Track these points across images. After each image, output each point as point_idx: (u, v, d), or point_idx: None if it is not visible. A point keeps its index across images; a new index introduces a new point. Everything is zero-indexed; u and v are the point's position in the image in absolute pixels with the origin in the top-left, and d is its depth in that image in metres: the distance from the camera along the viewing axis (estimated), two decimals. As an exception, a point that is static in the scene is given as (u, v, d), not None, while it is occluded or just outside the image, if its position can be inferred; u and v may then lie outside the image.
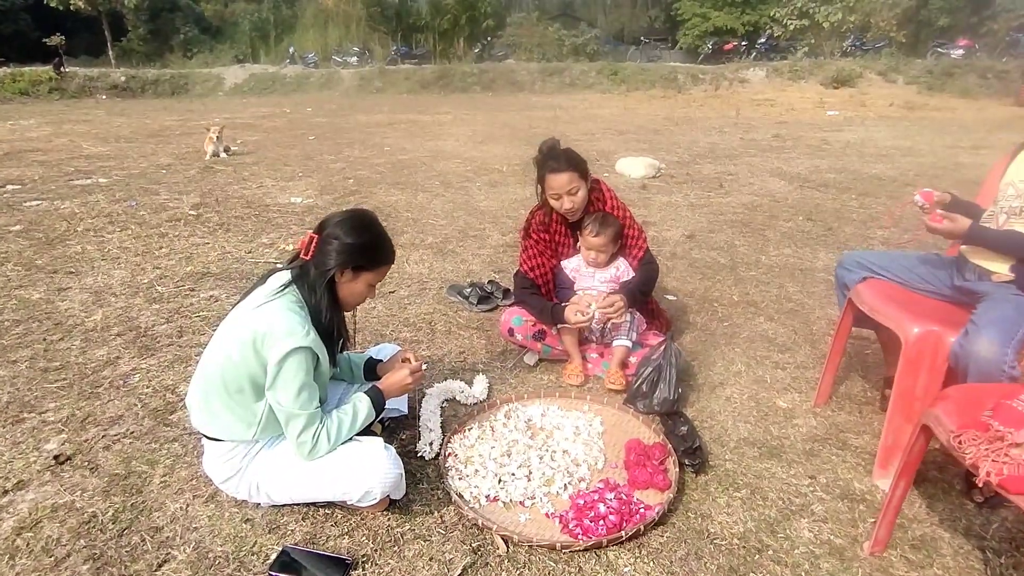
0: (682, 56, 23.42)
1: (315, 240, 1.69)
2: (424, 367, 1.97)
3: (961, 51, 17.64)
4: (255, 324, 1.62)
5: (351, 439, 1.73)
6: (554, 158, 2.43)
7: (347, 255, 1.69)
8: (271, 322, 1.60)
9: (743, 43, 21.71)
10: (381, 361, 2.09)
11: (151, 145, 8.23)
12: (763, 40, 21.50)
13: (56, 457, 2.01)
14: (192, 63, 21.04)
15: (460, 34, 24.26)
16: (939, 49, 18.16)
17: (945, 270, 2.06)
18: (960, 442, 1.30)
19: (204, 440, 1.77)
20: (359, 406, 1.78)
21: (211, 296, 3.34)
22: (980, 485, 1.23)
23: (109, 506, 1.81)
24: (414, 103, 14.36)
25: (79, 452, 2.05)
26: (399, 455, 1.78)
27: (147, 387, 2.45)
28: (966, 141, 8.48)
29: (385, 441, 1.79)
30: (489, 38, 23.96)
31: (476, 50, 22.89)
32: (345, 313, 1.83)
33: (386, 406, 1.87)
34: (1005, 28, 18.23)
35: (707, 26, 24.05)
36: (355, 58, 21.47)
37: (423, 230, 4.57)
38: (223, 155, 7.31)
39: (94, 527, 1.73)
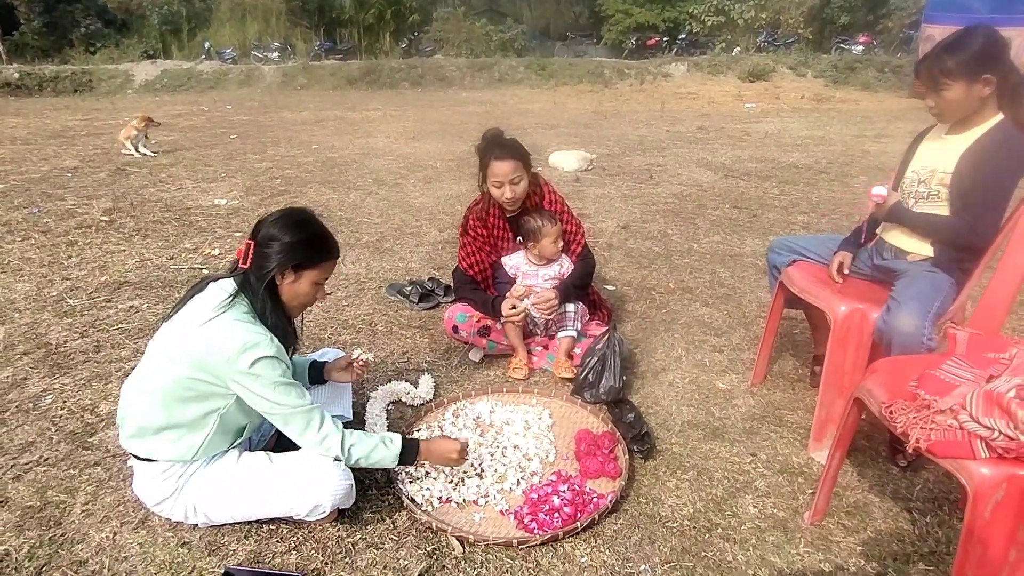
0: (607, 51, 23.85)
1: (252, 246, 1.60)
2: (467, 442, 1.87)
3: (861, 47, 18.84)
4: (209, 340, 1.50)
5: (297, 451, 1.65)
6: (499, 146, 2.42)
7: (286, 254, 1.59)
8: (226, 337, 1.50)
9: (664, 39, 22.36)
10: (326, 364, 2.01)
11: (53, 147, 7.60)
12: (683, 36, 22.21)
13: (-42, 492, 1.82)
14: (96, 59, 19.53)
15: (386, 29, 23.70)
16: (842, 45, 19.31)
17: (865, 251, 2.18)
18: (891, 412, 1.38)
19: (133, 461, 1.64)
20: (389, 445, 1.65)
21: (130, 307, 3.12)
22: (911, 451, 1.30)
23: (24, 542, 1.65)
24: (341, 99, 13.93)
25: (-15, 485, 1.86)
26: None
27: (61, 409, 2.26)
28: (870, 131, 9.06)
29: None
30: (416, 33, 23.54)
31: (403, 45, 22.45)
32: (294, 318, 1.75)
33: (328, 411, 1.78)
34: (899, 25, 19.57)
35: (630, 22, 24.58)
36: (276, 53, 20.58)
37: (358, 229, 4.45)
38: (144, 151, 6.87)
39: (7, 566, 1.58)
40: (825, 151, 7.39)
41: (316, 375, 1.99)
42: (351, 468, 1.65)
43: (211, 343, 1.50)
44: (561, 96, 14.67)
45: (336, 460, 1.61)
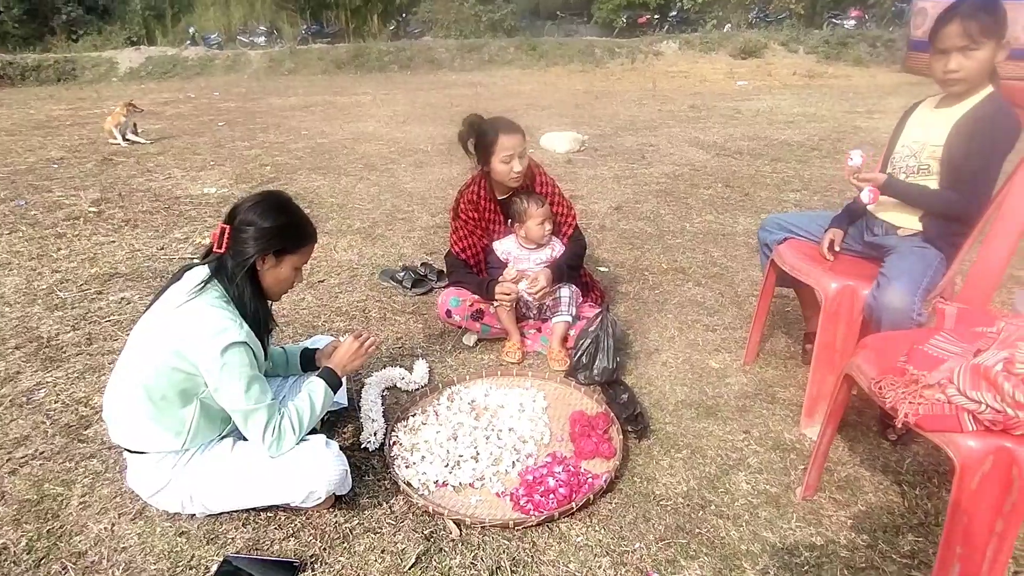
0: (598, 30, 23.57)
1: (227, 231, 1.59)
2: (373, 338, 1.91)
3: (853, 22, 18.68)
4: (180, 325, 1.51)
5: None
6: (503, 122, 2.43)
7: (266, 240, 1.59)
8: (198, 322, 1.50)
9: (655, 16, 22.12)
10: (318, 350, 2.01)
11: (38, 137, 7.50)
12: (674, 13, 21.98)
13: (-46, 487, 1.82)
14: (79, 46, 19.19)
15: (373, 11, 23.38)
16: (834, 20, 19.14)
17: (856, 227, 2.19)
18: (880, 388, 1.39)
19: (126, 454, 1.65)
20: (314, 389, 1.71)
21: (122, 299, 3.10)
22: (899, 426, 1.32)
23: (22, 535, 1.66)
24: (330, 84, 13.77)
25: (-20, 479, 1.86)
26: (342, 449, 1.73)
27: (55, 402, 2.26)
28: (861, 106, 9.02)
29: (326, 436, 1.73)
30: (404, 15, 23.22)
31: (391, 27, 22.17)
32: (272, 303, 1.75)
33: None
34: (891, -1, 19.43)
35: (620, 0, 24.30)
36: (263, 38, 20.29)
37: (349, 215, 4.42)
38: (133, 136, 6.79)
39: (6, 560, 1.59)
40: (817, 128, 7.36)
41: (307, 362, 1.99)
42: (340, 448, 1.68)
43: (183, 327, 1.50)
44: (552, 76, 14.55)
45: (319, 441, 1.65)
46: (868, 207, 2.07)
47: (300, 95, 11.71)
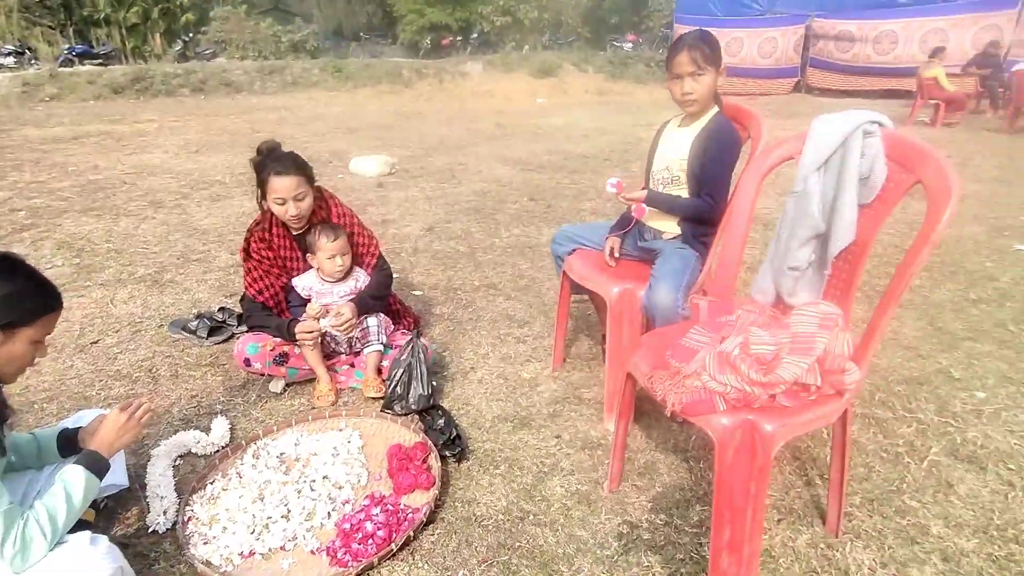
0: (403, 51, 23.78)
1: None
2: (145, 404, 1.65)
3: (631, 44, 21.10)
4: None
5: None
6: (277, 160, 2.29)
7: None
8: None
9: (458, 38, 22.90)
10: (81, 429, 1.72)
11: None
12: (475, 36, 22.95)
13: None
14: None
15: (155, 29, 21.18)
16: (615, 43, 21.45)
17: (631, 234, 2.42)
18: (652, 381, 1.54)
19: None
20: (70, 479, 1.44)
21: None
22: (669, 415, 1.47)
23: None
24: (105, 111, 12.13)
25: None
26: (125, 538, 1.50)
27: None
28: (643, 120, 10.14)
29: (101, 528, 1.50)
30: (191, 34, 21.36)
31: (177, 48, 20.25)
32: (5, 384, 1.47)
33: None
34: (659, 25, 22.23)
35: (423, 22, 24.76)
36: (11, 58, 17.32)
37: (131, 261, 3.91)
38: None
39: None
40: (608, 140, 8.12)
41: (70, 445, 1.70)
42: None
43: None
44: (360, 98, 14.35)
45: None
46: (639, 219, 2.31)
47: (66, 124, 10.16)
